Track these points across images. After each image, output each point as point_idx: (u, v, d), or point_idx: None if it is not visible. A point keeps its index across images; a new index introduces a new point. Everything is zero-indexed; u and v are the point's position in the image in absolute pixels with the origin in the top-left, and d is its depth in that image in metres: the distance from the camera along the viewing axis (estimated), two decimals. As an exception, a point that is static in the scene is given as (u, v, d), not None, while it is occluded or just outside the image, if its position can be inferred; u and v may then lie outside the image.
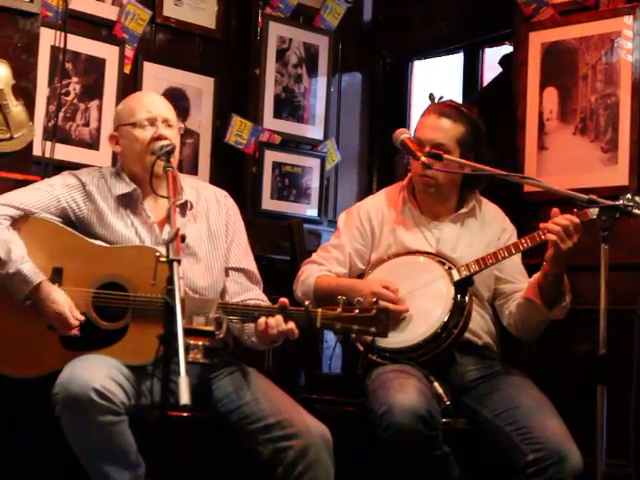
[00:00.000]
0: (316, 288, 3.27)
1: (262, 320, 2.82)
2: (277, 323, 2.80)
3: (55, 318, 2.82)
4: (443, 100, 3.37)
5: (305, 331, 2.86)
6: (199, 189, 3.17)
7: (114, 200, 3.02)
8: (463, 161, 3.15)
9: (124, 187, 3.04)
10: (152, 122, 3.00)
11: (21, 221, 2.93)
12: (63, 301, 2.82)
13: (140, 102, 3.08)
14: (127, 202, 3.04)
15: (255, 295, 3.09)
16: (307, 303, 2.85)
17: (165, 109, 3.06)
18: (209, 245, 3.09)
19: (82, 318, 2.84)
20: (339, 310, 2.82)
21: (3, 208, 2.92)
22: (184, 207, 3.08)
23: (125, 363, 2.81)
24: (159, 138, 2.96)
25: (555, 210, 3.03)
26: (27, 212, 2.94)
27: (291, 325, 2.81)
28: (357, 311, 2.82)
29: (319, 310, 2.83)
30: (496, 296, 3.33)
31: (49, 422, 2.75)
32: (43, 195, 2.99)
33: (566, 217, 3.00)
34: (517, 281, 3.29)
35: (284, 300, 2.85)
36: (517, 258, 3.28)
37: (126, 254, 2.93)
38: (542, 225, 3.03)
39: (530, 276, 3.24)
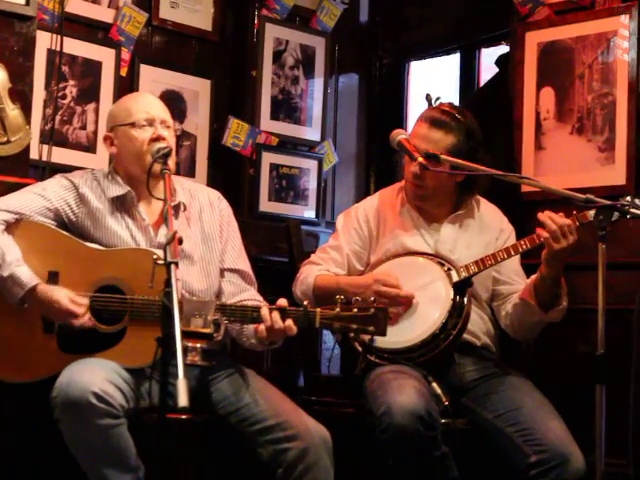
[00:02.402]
0: (315, 287, 3.27)
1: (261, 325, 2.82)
2: (275, 319, 2.80)
3: (62, 316, 2.80)
4: (440, 102, 3.36)
5: (304, 332, 2.86)
6: (192, 191, 3.15)
7: (108, 202, 3.01)
8: (459, 161, 3.12)
9: (118, 189, 3.03)
10: (150, 123, 3.00)
11: (16, 225, 2.92)
12: (63, 296, 2.80)
13: (137, 102, 3.07)
14: (121, 204, 3.03)
15: (251, 296, 3.09)
16: (306, 303, 2.85)
17: (162, 110, 3.06)
18: (203, 247, 3.08)
19: (86, 302, 2.81)
20: (338, 309, 2.81)
21: None
22: (177, 209, 3.06)
23: (123, 366, 2.81)
24: (158, 139, 2.96)
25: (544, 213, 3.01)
26: (21, 216, 2.93)
27: (289, 322, 2.80)
28: (356, 310, 2.81)
29: (318, 310, 2.82)
30: (494, 297, 3.32)
31: (48, 426, 2.74)
32: (36, 198, 2.97)
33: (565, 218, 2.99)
34: (515, 282, 3.28)
35: (283, 301, 2.84)
36: (515, 259, 3.28)
37: (122, 257, 2.92)
38: (540, 216, 3.02)
39: (528, 277, 3.23)
